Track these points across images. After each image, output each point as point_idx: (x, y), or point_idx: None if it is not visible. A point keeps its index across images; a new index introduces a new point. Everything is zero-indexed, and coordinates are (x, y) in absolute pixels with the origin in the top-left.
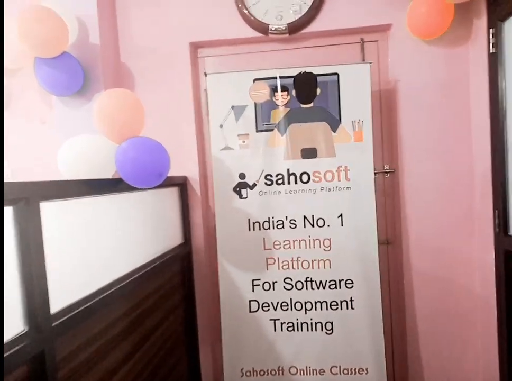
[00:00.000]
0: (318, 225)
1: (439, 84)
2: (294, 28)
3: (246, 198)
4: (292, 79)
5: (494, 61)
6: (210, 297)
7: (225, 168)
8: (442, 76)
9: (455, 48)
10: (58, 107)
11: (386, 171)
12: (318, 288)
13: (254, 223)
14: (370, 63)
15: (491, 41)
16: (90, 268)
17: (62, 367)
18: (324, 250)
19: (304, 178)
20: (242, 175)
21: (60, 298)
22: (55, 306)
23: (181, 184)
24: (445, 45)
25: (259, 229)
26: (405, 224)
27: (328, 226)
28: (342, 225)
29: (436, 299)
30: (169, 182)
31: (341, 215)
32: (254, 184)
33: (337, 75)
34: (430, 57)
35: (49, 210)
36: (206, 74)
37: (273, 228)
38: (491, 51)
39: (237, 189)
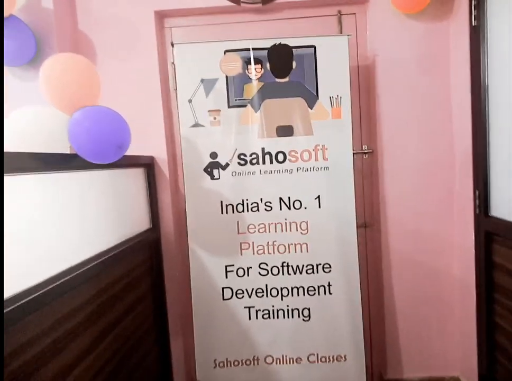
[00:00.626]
0: (294, 207)
1: (419, 59)
2: None
3: (218, 179)
4: (266, 51)
5: (476, 34)
6: (181, 285)
7: (195, 147)
8: (423, 52)
9: (436, 21)
10: (8, 79)
11: (365, 151)
12: (295, 273)
13: (227, 206)
14: (349, 35)
15: (473, 13)
16: (42, 252)
17: (12, 362)
18: (301, 233)
19: (280, 157)
20: (214, 155)
21: (8, 285)
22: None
23: (148, 165)
24: (426, 18)
25: (233, 212)
26: (384, 206)
27: (305, 208)
28: (320, 207)
29: (415, 283)
30: (134, 162)
31: (318, 197)
32: (227, 164)
33: (313, 48)
34: (410, 31)
35: None
36: (172, 45)
37: (247, 211)
38: (473, 24)
39: (209, 170)
